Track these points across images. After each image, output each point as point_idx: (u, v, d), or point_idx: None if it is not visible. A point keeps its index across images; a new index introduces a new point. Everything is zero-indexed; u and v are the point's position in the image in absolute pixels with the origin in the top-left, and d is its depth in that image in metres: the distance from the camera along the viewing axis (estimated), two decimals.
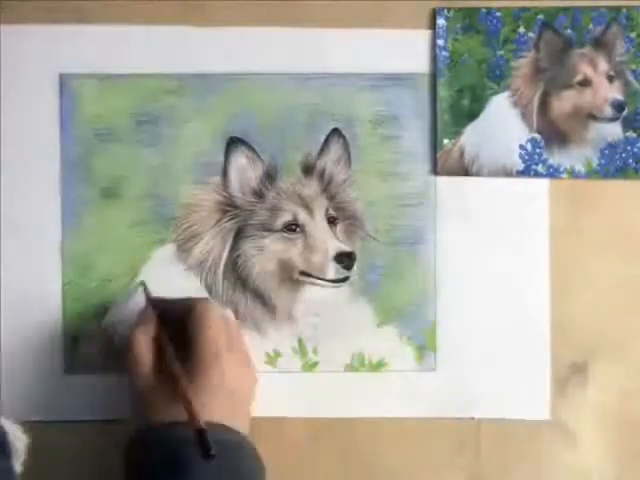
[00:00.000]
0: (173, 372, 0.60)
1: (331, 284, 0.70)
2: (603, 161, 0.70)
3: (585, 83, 0.71)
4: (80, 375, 0.70)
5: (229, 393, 0.61)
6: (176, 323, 0.63)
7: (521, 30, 0.70)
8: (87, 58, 0.70)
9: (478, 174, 0.71)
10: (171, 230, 0.70)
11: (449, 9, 0.70)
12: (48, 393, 0.69)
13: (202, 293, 0.70)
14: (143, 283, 0.68)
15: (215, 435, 0.55)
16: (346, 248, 0.70)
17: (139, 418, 0.61)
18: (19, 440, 0.54)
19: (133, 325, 0.64)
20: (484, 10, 0.70)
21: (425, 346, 0.71)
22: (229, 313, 0.69)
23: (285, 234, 0.70)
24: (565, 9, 0.70)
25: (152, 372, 0.62)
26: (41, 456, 0.69)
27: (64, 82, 0.70)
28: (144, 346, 0.62)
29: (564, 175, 0.70)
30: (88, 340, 0.70)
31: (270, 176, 0.70)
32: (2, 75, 0.69)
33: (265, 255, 0.70)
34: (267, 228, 0.70)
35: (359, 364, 0.71)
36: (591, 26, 0.70)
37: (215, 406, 0.59)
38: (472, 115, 0.70)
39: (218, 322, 0.63)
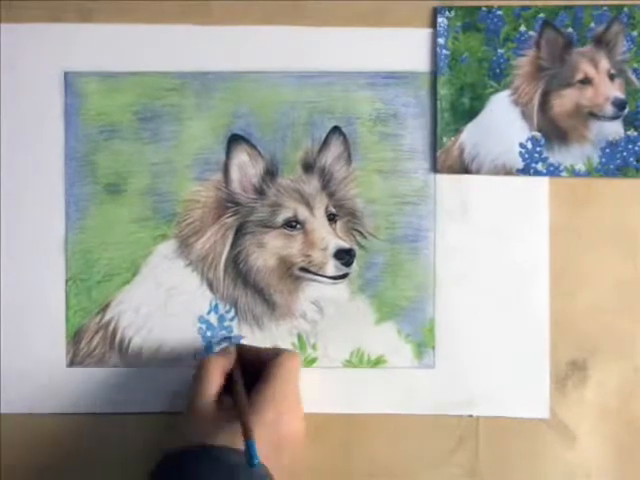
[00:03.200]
0: (237, 396, 0.63)
1: (331, 281, 0.71)
2: (604, 160, 0.70)
3: (586, 81, 0.71)
4: (82, 368, 0.71)
5: (277, 438, 0.62)
6: (252, 366, 0.66)
7: (522, 28, 0.70)
8: (91, 56, 0.71)
9: (478, 172, 0.71)
10: (173, 226, 0.71)
11: (450, 8, 0.70)
12: (51, 386, 0.70)
13: (203, 289, 0.71)
14: (230, 340, 0.71)
15: (232, 459, 0.58)
16: (346, 245, 0.70)
17: (184, 436, 0.62)
18: None
19: (206, 357, 0.67)
20: (485, 9, 0.70)
21: (424, 343, 0.71)
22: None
23: (285, 230, 0.71)
24: (566, 7, 0.70)
25: (215, 398, 0.64)
26: (43, 447, 0.70)
27: (68, 80, 0.71)
28: (216, 374, 0.65)
29: (564, 174, 0.70)
30: (91, 334, 0.71)
31: (271, 173, 0.71)
32: (7, 73, 0.71)
33: (265, 251, 0.71)
34: (267, 225, 0.71)
35: (358, 360, 0.71)
36: (592, 24, 0.70)
37: (259, 443, 0.59)
38: (472, 113, 0.71)
39: (297, 374, 0.66)
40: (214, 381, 0.64)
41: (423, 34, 0.71)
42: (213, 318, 0.71)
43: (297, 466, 0.66)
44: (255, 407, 0.62)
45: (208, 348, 0.70)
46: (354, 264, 0.71)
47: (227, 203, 0.71)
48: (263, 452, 0.58)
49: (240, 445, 0.59)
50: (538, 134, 0.71)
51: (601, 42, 0.70)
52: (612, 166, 0.70)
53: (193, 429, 0.62)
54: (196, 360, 0.69)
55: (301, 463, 0.67)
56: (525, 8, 0.70)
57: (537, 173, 0.70)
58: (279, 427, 0.62)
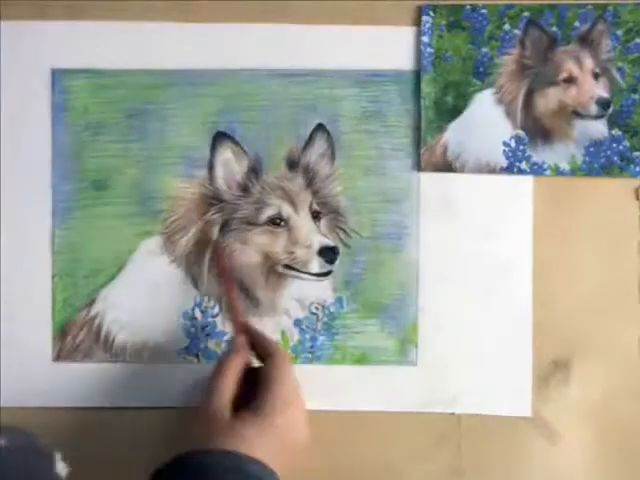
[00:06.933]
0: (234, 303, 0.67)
1: (315, 278, 0.71)
2: (588, 159, 0.70)
3: (570, 80, 0.71)
4: (68, 363, 0.72)
5: (283, 442, 0.62)
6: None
7: (506, 27, 0.70)
8: (78, 54, 0.72)
9: (462, 170, 0.71)
10: (158, 222, 0.72)
11: (434, 6, 0.71)
12: (37, 380, 0.71)
13: (187, 285, 0.72)
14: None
15: (251, 469, 0.58)
16: (330, 242, 0.71)
17: (187, 440, 0.61)
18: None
19: (225, 353, 0.67)
20: (469, 7, 0.70)
21: (407, 340, 0.71)
22: None
23: (269, 228, 0.71)
24: (551, 6, 0.70)
25: (229, 403, 0.63)
26: None
27: (56, 77, 0.72)
28: (231, 378, 0.64)
29: (548, 172, 0.70)
30: (76, 329, 0.72)
31: (255, 170, 0.72)
32: None
33: (249, 248, 0.71)
34: (252, 222, 0.71)
35: (341, 357, 0.71)
36: (577, 23, 0.70)
37: (264, 446, 0.60)
38: (456, 112, 0.71)
39: (293, 374, 0.65)
40: (229, 387, 0.63)
41: (408, 32, 0.71)
42: (197, 314, 0.72)
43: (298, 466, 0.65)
44: (263, 413, 0.61)
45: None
46: (337, 261, 0.71)
47: (212, 200, 0.72)
48: (265, 455, 0.59)
49: (253, 453, 0.59)
50: (522, 133, 0.71)
51: (586, 41, 0.70)
52: (596, 165, 0.70)
53: (204, 430, 0.62)
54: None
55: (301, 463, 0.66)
56: (510, 6, 0.70)
57: (521, 172, 0.71)
58: (287, 430, 0.62)
